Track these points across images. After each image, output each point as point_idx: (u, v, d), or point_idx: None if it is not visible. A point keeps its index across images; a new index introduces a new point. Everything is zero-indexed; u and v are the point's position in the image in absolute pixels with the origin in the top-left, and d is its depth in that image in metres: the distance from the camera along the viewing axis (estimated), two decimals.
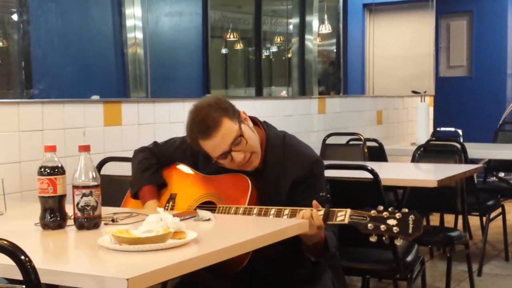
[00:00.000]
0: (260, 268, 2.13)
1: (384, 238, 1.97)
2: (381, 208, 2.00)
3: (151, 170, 2.37)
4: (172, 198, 2.32)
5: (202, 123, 2.14)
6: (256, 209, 2.12)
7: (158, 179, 2.37)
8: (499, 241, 4.89)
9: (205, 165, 2.31)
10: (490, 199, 4.41)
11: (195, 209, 2.18)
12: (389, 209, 1.99)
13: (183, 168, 2.38)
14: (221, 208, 2.18)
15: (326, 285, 2.18)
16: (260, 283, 2.23)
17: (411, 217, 1.95)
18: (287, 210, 2.09)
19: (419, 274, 3.01)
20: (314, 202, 2.09)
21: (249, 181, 2.18)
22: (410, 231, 1.94)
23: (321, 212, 2.05)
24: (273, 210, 2.11)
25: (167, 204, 2.32)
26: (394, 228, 1.95)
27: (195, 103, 2.22)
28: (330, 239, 2.13)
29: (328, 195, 2.11)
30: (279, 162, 2.23)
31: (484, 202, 4.32)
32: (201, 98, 5.16)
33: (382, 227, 1.96)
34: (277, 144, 2.26)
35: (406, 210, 1.97)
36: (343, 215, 2.03)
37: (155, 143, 2.47)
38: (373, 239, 1.98)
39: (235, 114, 2.18)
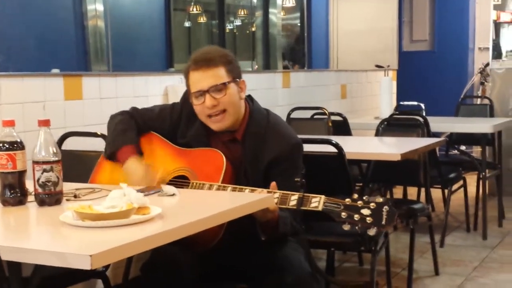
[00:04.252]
0: (232, 245, 2.12)
1: (357, 227, 1.97)
2: (355, 196, 1.99)
3: (131, 132, 2.32)
4: None
5: (201, 56, 2.22)
6: (230, 188, 2.11)
7: (138, 142, 2.31)
8: (461, 213, 4.98)
9: (184, 133, 2.30)
10: (451, 172, 4.48)
11: (168, 183, 2.15)
12: (364, 198, 1.98)
13: (159, 138, 2.34)
14: (194, 184, 2.16)
15: (301, 262, 2.17)
16: (232, 260, 2.21)
17: (385, 208, 1.94)
18: (260, 191, 2.07)
19: (383, 246, 3.05)
20: (272, 184, 2.09)
21: (224, 159, 2.16)
22: (384, 222, 1.94)
23: (295, 197, 2.05)
24: (247, 190, 2.09)
25: None
26: (368, 218, 1.95)
27: None
28: (282, 219, 2.12)
29: (303, 180, 2.11)
30: (260, 138, 2.23)
31: (446, 175, 4.38)
32: (164, 72, 5.09)
33: (356, 216, 1.96)
34: (260, 119, 2.26)
35: (381, 199, 1.96)
36: (317, 202, 2.03)
37: (134, 108, 2.43)
38: (346, 227, 1.98)
39: (234, 72, 2.23)
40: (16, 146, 1.87)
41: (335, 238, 2.90)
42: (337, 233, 2.88)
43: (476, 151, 6.60)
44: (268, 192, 2.07)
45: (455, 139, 5.43)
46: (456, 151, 5.68)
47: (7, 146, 1.86)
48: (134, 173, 2.19)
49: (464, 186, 4.64)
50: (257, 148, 2.21)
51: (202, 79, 2.19)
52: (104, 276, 2.59)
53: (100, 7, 5.26)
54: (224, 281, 2.26)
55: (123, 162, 2.24)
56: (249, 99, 2.32)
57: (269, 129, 2.24)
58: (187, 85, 2.26)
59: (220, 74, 2.19)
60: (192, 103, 2.24)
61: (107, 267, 2.65)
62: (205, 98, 2.18)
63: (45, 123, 1.88)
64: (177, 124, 2.32)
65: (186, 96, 2.32)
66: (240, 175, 2.19)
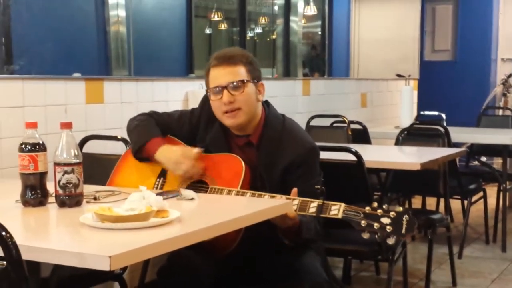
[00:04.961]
0: (249, 250, 2.12)
1: (377, 236, 1.97)
2: (375, 204, 1.99)
3: (155, 127, 2.34)
4: (163, 173, 2.29)
5: (223, 53, 2.26)
6: (249, 194, 2.11)
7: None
8: (480, 224, 4.93)
9: (203, 137, 2.31)
10: (472, 183, 4.44)
11: (186, 188, 2.16)
12: (383, 207, 1.98)
13: (177, 142, 2.34)
14: (213, 189, 2.16)
15: (318, 269, 2.17)
16: (249, 265, 2.21)
17: (405, 217, 1.94)
18: (279, 197, 2.08)
19: (400, 256, 3.03)
20: (293, 190, 2.09)
21: (243, 164, 2.17)
22: (404, 231, 1.94)
23: (315, 204, 2.05)
24: (266, 196, 2.09)
25: (158, 180, 2.29)
26: (388, 227, 1.95)
27: None
28: (305, 225, 2.13)
29: (323, 188, 2.10)
30: (275, 142, 2.23)
31: (466, 186, 4.34)
32: (184, 77, 5.12)
33: (376, 225, 1.96)
34: (276, 124, 2.27)
35: (401, 208, 1.97)
36: (336, 209, 2.03)
37: (153, 111, 2.45)
38: (365, 236, 1.98)
39: (253, 73, 2.25)
40: (38, 147, 1.89)
41: (352, 246, 2.89)
42: (354, 241, 2.86)
43: (497, 162, 6.53)
44: (288, 198, 2.07)
45: (476, 150, 5.39)
46: (476, 162, 5.63)
47: (29, 147, 1.88)
48: (172, 155, 2.21)
49: (484, 197, 4.59)
50: (272, 153, 2.21)
51: (222, 75, 2.21)
52: (121, 279, 2.60)
53: (122, 13, 5.31)
54: (240, 285, 2.26)
55: (154, 152, 2.24)
56: (266, 104, 2.33)
57: (285, 133, 2.25)
58: (207, 82, 2.27)
59: (239, 72, 2.21)
60: (210, 98, 2.25)
61: (124, 269, 2.66)
62: (223, 93, 2.20)
63: (67, 125, 1.90)
64: (196, 128, 2.33)
65: (205, 100, 2.33)
66: (255, 179, 2.20)
